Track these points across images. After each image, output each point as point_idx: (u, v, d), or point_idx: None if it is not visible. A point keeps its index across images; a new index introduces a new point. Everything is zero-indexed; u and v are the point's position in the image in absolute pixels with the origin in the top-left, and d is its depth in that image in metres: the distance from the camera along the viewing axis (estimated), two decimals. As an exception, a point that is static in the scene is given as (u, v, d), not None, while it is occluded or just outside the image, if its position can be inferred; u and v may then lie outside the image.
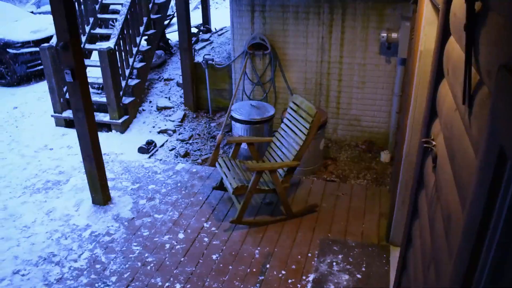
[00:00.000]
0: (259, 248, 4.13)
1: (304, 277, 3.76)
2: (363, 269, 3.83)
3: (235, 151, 4.86)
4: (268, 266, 3.89)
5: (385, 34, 5.31)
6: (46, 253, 4.20)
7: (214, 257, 4.03)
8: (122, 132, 6.60)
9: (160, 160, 5.92)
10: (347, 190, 5.06)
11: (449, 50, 1.73)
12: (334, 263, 3.91)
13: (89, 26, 7.69)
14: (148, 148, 6.08)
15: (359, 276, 3.76)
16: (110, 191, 4.94)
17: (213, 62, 6.95)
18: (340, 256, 3.99)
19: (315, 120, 4.31)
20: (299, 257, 4.00)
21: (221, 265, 3.93)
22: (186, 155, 6.07)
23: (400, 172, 3.65)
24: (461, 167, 1.28)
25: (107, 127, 6.72)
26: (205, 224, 4.47)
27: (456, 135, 1.40)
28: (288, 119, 4.74)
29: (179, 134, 6.61)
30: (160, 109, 7.17)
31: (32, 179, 5.51)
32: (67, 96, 6.92)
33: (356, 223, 4.46)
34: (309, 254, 4.02)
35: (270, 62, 6.44)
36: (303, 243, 4.17)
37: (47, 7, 13.07)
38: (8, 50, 8.87)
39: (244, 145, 5.32)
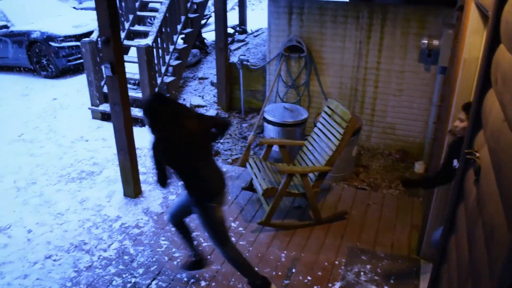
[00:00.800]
0: (285, 251, 4.10)
1: (330, 285, 3.70)
2: (392, 281, 3.74)
3: (267, 152, 4.85)
4: (294, 270, 3.86)
5: (426, 41, 5.18)
6: (77, 241, 4.30)
7: (240, 257, 4.02)
8: (156, 128, 6.68)
9: (191, 157, 5.97)
10: (378, 199, 4.96)
11: (498, 59, 1.66)
12: (362, 273, 3.84)
13: (129, 23, 7.84)
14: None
15: None
16: (141, 185, 5.02)
17: (248, 63, 6.97)
18: (368, 266, 3.92)
19: (350, 126, 4.24)
20: (326, 264, 3.94)
21: (247, 265, 3.91)
22: (216, 154, 6.09)
23: (436, 183, 3.55)
24: (508, 180, 1.23)
25: (141, 122, 6.82)
26: (232, 224, 4.48)
27: (504, 147, 1.34)
28: (321, 123, 4.69)
29: (211, 133, 6.65)
30: (193, 107, 7.24)
31: (68, 169, 5.66)
32: (104, 90, 7.07)
33: (386, 234, 4.36)
34: (336, 262, 3.97)
35: (306, 65, 6.40)
36: (331, 250, 4.12)
37: (89, 3, 13.41)
38: (50, 43, 9.14)
39: (275, 147, 5.29)
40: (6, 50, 9.87)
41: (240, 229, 4.41)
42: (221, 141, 6.46)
